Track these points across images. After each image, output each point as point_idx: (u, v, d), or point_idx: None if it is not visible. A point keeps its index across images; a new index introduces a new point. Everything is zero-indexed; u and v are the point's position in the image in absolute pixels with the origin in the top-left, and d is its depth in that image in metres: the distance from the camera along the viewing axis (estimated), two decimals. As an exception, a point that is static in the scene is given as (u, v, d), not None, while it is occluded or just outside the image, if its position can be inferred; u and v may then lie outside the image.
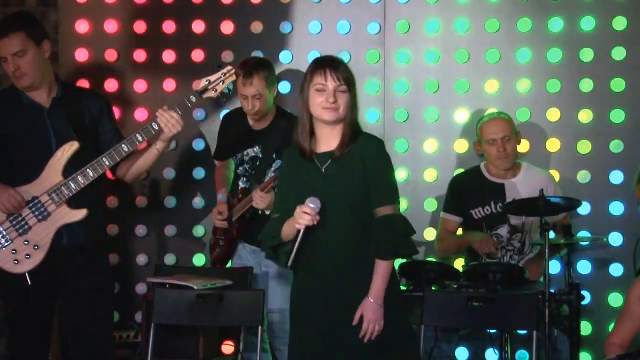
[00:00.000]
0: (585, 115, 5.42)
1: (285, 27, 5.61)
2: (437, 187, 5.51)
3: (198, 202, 5.66)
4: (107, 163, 4.36)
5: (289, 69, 5.59)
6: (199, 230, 5.66)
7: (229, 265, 5.24)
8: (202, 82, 4.43)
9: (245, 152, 5.16)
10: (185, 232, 5.68)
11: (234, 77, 4.50)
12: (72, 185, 4.33)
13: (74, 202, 4.36)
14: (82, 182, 4.34)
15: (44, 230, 4.33)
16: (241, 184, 5.17)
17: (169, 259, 5.65)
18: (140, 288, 5.63)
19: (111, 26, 5.69)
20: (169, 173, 5.67)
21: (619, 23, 5.38)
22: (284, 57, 5.58)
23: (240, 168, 5.18)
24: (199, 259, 5.66)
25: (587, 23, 5.40)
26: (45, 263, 4.33)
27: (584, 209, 5.31)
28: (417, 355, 4.04)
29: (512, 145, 5.16)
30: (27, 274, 4.30)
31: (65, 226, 4.36)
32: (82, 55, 5.70)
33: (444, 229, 5.29)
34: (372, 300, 3.75)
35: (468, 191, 5.24)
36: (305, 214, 3.66)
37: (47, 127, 4.43)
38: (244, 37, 5.63)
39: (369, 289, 3.76)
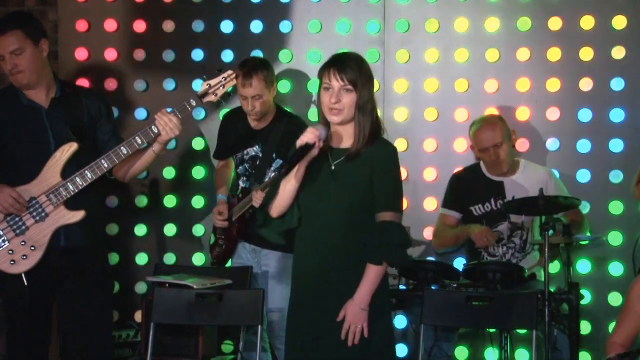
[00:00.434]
0: (584, 115, 5.41)
1: (284, 26, 5.61)
2: (436, 186, 5.50)
3: (198, 201, 5.66)
4: (106, 165, 4.36)
5: (288, 68, 5.59)
6: (198, 230, 5.66)
7: (228, 264, 5.24)
8: (203, 86, 4.43)
9: (245, 152, 5.16)
10: (184, 231, 5.68)
11: (234, 82, 4.50)
12: (71, 186, 4.33)
13: (71, 203, 4.36)
14: (81, 183, 4.34)
15: (42, 231, 4.33)
16: (241, 184, 5.17)
17: (169, 259, 5.66)
18: (140, 287, 5.64)
19: (111, 25, 5.70)
20: (169, 172, 5.67)
21: (619, 22, 5.37)
22: (284, 56, 5.58)
23: (240, 167, 5.18)
24: (198, 259, 5.66)
25: (587, 22, 5.40)
26: (42, 264, 4.33)
27: (584, 208, 5.31)
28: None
29: (505, 150, 5.15)
30: (23, 275, 4.30)
31: (62, 227, 4.36)
32: (81, 54, 5.70)
33: (443, 224, 5.28)
34: (355, 302, 3.75)
35: (468, 188, 5.24)
36: (309, 133, 3.69)
37: (45, 127, 4.43)
38: (243, 37, 5.63)
39: (351, 290, 3.77)
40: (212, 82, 4.45)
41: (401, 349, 5.46)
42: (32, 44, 4.42)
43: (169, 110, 4.39)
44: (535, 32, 5.45)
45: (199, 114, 5.61)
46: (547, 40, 5.44)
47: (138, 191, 5.69)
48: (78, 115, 4.49)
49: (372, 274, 3.75)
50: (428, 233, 5.50)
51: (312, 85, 5.55)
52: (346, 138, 3.83)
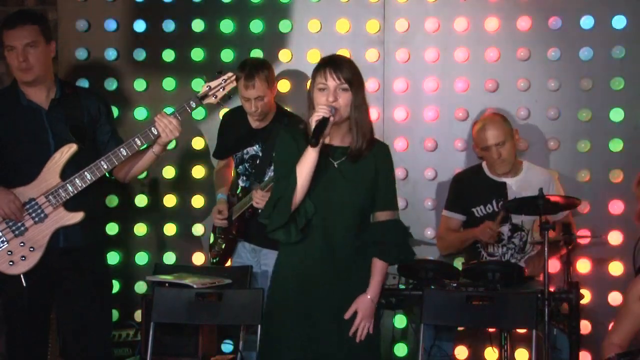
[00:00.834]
0: (584, 114, 5.41)
1: (284, 26, 5.61)
2: (436, 185, 5.51)
3: (197, 201, 5.66)
4: (106, 166, 4.35)
5: (288, 68, 5.59)
6: (198, 229, 5.66)
7: (228, 264, 5.24)
8: (203, 88, 4.43)
9: (245, 151, 5.16)
10: (184, 231, 5.68)
11: (234, 84, 4.50)
12: (70, 188, 4.33)
13: (71, 203, 4.35)
14: (80, 185, 4.33)
15: (41, 232, 4.33)
16: (241, 183, 5.17)
17: (169, 258, 5.66)
18: (140, 287, 5.64)
19: (111, 25, 5.70)
20: (169, 172, 5.67)
21: (619, 22, 5.37)
22: (284, 56, 5.58)
23: (240, 167, 5.18)
24: (198, 258, 5.66)
25: (587, 22, 5.40)
26: (41, 264, 4.32)
27: (584, 207, 5.31)
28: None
29: (508, 149, 5.14)
30: (22, 276, 4.30)
31: (61, 228, 4.36)
32: (81, 54, 5.71)
33: (446, 227, 5.28)
34: (370, 298, 3.82)
35: (470, 189, 5.23)
36: (322, 107, 3.70)
37: (45, 128, 4.43)
38: (243, 36, 5.63)
39: (361, 286, 3.83)
40: (212, 84, 4.44)
41: (401, 349, 5.46)
42: (44, 42, 4.44)
43: (169, 111, 4.39)
44: (535, 32, 5.45)
45: (199, 113, 5.61)
46: (547, 39, 5.43)
47: (138, 191, 5.69)
48: (78, 116, 4.49)
49: (383, 270, 3.88)
50: (428, 233, 5.50)
51: (312, 85, 5.55)
52: (342, 137, 3.86)
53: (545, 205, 4.60)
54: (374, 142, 3.90)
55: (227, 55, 5.62)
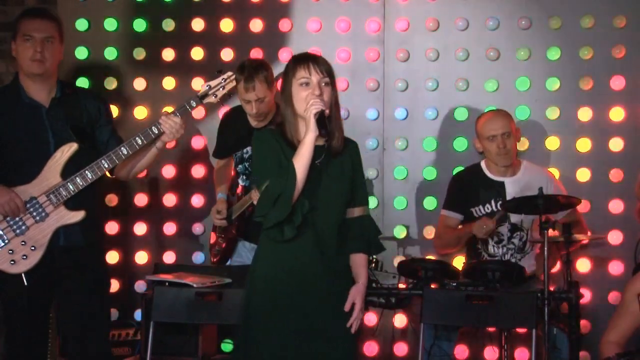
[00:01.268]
0: (584, 114, 5.41)
1: (284, 25, 5.61)
2: (436, 185, 5.51)
3: (197, 200, 5.66)
4: (106, 166, 4.36)
5: (288, 68, 5.58)
6: (198, 229, 5.66)
7: (228, 263, 5.24)
8: (203, 88, 4.43)
9: (244, 150, 5.16)
10: (184, 230, 5.68)
11: (234, 83, 4.50)
12: (71, 187, 4.33)
13: (71, 202, 4.35)
14: (81, 184, 4.33)
15: (42, 232, 4.32)
16: (240, 182, 5.17)
17: (169, 257, 5.66)
18: (140, 286, 5.64)
19: (111, 24, 5.70)
20: (169, 171, 5.67)
21: (619, 21, 5.37)
22: (283, 55, 5.58)
23: (240, 166, 5.18)
24: (198, 257, 5.66)
25: (587, 21, 5.40)
26: (41, 263, 4.32)
27: (584, 207, 5.31)
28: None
29: (512, 142, 5.15)
30: (23, 275, 4.30)
31: (62, 227, 4.36)
32: (81, 53, 5.71)
33: (444, 225, 5.27)
34: (361, 287, 3.89)
35: (469, 189, 5.22)
36: (315, 102, 3.71)
37: (46, 127, 4.42)
38: (243, 35, 5.63)
39: (346, 280, 3.88)
40: (212, 83, 4.44)
41: (401, 348, 5.46)
42: (59, 41, 4.48)
43: (169, 110, 4.39)
44: (535, 31, 5.45)
45: (199, 113, 5.61)
46: (547, 39, 5.43)
47: (138, 190, 5.69)
48: (77, 116, 4.49)
49: (367, 261, 3.99)
50: (428, 232, 5.50)
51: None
52: (317, 136, 3.80)
53: (545, 205, 4.60)
54: (346, 140, 3.93)
55: (227, 54, 5.62)
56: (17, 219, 4.30)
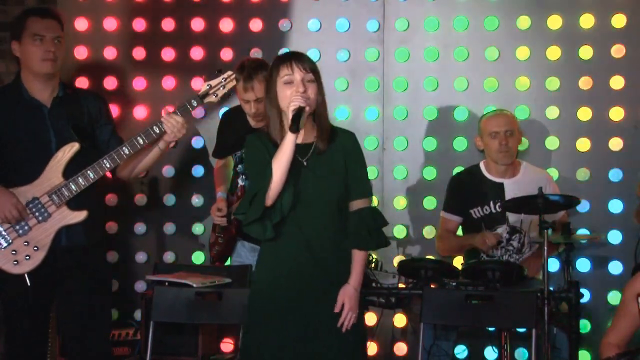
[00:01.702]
0: (584, 113, 5.41)
1: (284, 25, 5.60)
2: (436, 185, 5.51)
3: (197, 200, 5.66)
4: (108, 165, 4.36)
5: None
6: (198, 228, 5.66)
7: (228, 263, 5.24)
8: (203, 87, 4.43)
9: (244, 150, 5.15)
10: (184, 230, 5.68)
11: (234, 82, 4.50)
12: (73, 186, 4.33)
13: (73, 202, 4.36)
14: (83, 183, 4.33)
15: (44, 232, 4.33)
16: (240, 182, 5.17)
17: (168, 257, 5.66)
18: (140, 286, 5.64)
19: (110, 24, 5.70)
20: (168, 171, 5.67)
21: (618, 20, 5.37)
22: (283, 55, 5.58)
23: (240, 166, 5.18)
24: (198, 257, 5.66)
25: (587, 21, 5.40)
26: (44, 263, 4.32)
27: (583, 207, 5.31)
28: (364, 348, 4.06)
29: (514, 141, 5.15)
30: (26, 275, 4.30)
31: (64, 227, 4.36)
32: (81, 53, 5.70)
33: (444, 228, 5.28)
34: (352, 286, 3.85)
35: (468, 190, 5.22)
36: (297, 97, 3.71)
37: (47, 126, 4.42)
38: (243, 35, 5.63)
39: (342, 279, 3.85)
40: (213, 82, 4.45)
41: (401, 348, 5.47)
42: (63, 41, 4.49)
43: (169, 110, 4.39)
44: (534, 31, 5.45)
45: (199, 112, 5.61)
46: (546, 38, 5.43)
47: (138, 190, 5.69)
48: (78, 115, 4.50)
49: (362, 258, 3.90)
50: (427, 232, 5.50)
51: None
52: (307, 133, 3.85)
53: (545, 205, 4.60)
54: (336, 132, 3.90)
55: (226, 54, 5.61)
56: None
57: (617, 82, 5.38)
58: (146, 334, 4.61)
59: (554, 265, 5.26)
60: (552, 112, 5.44)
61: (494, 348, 4.93)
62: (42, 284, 4.36)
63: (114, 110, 5.30)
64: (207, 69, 5.39)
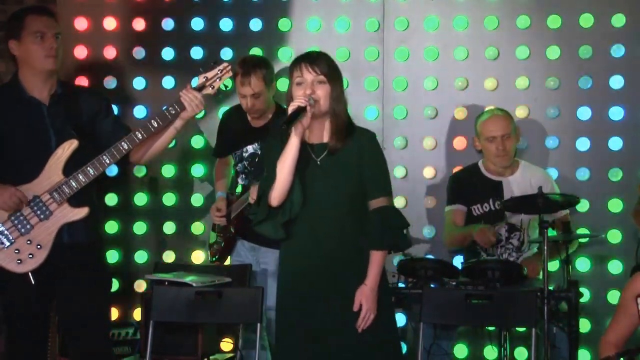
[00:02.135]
0: (584, 113, 5.41)
1: (284, 24, 5.61)
2: (435, 184, 5.51)
3: (197, 199, 5.66)
4: (108, 161, 4.35)
5: (287, 67, 5.57)
6: (197, 228, 5.66)
7: (227, 262, 5.24)
8: (200, 80, 4.42)
9: (244, 149, 5.16)
10: (184, 229, 5.68)
11: (230, 74, 4.49)
12: (74, 183, 4.32)
13: (74, 199, 4.36)
14: (84, 180, 4.33)
15: (46, 230, 4.32)
16: (240, 181, 5.18)
17: (168, 256, 5.66)
18: (140, 285, 5.64)
19: (110, 23, 5.70)
20: (168, 170, 5.67)
21: (618, 20, 5.37)
22: (283, 54, 5.58)
23: (239, 165, 5.19)
24: (197, 257, 5.66)
25: (586, 20, 5.40)
26: (46, 262, 4.32)
27: (583, 206, 5.31)
28: (399, 347, 4.07)
29: (512, 143, 5.15)
30: (30, 274, 4.30)
31: (66, 224, 4.36)
32: (81, 52, 5.71)
33: (452, 221, 5.25)
34: (368, 287, 3.84)
35: (467, 188, 5.23)
36: (299, 97, 3.76)
37: (46, 124, 4.42)
38: (243, 35, 5.63)
39: (360, 279, 3.84)
40: (209, 74, 4.44)
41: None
42: (61, 37, 4.49)
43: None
44: (534, 30, 5.45)
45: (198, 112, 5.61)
46: (546, 38, 5.44)
47: (137, 189, 5.69)
48: (77, 113, 4.49)
49: (379, 259, 3.87)
50: (427, 231, 5.50)
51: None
52: (324, 133, 3.89)
53: (545, 204, 4.60)
54: (355, 131, 3.91)
55: (226, 53, 5.62)
56: (21, 218, 4.30)
57: (616, 82, 5.38)
58: (146, 334, 4.61)
59: (553, 264, 5.25)
60: (552, 112, 5.43)
61: (494, 347, 4.93)
62: (44, 282, 4.35)
63: (114, 109, 5.29)
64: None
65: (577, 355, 4.70)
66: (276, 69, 5.33)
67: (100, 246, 4.65)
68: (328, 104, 3.83)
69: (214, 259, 5.25)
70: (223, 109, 5.45)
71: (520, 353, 5.26)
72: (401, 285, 4.83)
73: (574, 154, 5.44)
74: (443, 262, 5.05)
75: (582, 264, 5.38)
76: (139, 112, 5.67)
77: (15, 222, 4.30)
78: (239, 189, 5.16)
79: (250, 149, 5.14)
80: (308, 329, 3.84)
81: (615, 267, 5.37)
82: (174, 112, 4.35)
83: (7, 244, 4.29)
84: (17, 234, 4.30)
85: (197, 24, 5.66)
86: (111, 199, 5.67)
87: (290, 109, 3.76)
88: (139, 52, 5.69)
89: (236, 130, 5.20)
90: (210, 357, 4.92)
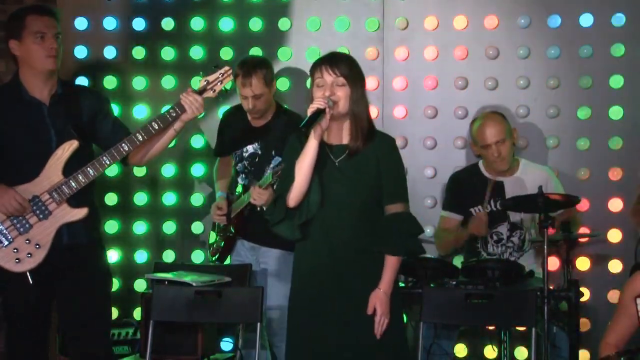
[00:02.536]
0: (584, 112, 5.41)
1: (284, 24, 5.61)
2: (435, 184, 5.51)
3: (197, 199, 5.66)
4: (108, 162, 4.35)
5: (287, 66, 5.59)
6: (197, 227, 5.66)
7: (227, 262, 5.24)
8: (201, 83, 4.42)
9: (244, 149, 5.16)
10: (184, 229, 5.69)
11: (231, 77, 4.50)
12: (73, 184, 4.32)
13: (73, 200, 4.36)
14: (83, 181, 4.33)
15: (45, 229, 4.32)
16: (240, 181, 5.18)
17: (168, 256, 5.66)
18: (139, 285, 5.64)
19: (110, 23, 5.70)
20: (168, 170, 5.67)
21: (618, 20, 5.37)
22: (283, 54, 5.58)
23: (240, 165, 5.18)
24: (197, 256, 5.66)
25: (586, 20, 5.40)
26: (45, 262, 4.32)
27: (583, 205, 5.31)
28: (407, 351, 4.09)
29: (507, 147, 5.12)
30: (28, 273, 4.29)
31: (65, 225, 4.35)
32: (81, 52, 5.71)
33: (443, 227, 5.27)
34: (382, 291, 3.85)
35: (467, 189, 5.22)
36: (318, 99, 3.77)
37: (47, 124, 4.42)
38: (242, 34, 5.63)
39: (371, 283, 3.86)
40: (210, 78, 4.44)
41: (400, 347, 5.46)
42: (61, 37, 4.49)
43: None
44: (534, 30, 5.45)
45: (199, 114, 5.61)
46: (546, 37, 5.43)
47: (137, 189, 5.69)
48: (78, 113, 4.49)
49: (395, 264, 3.89)
50: (427, 231, 5.48)
51: (311, 83, 5.56)
52: (344, 135, 3.90)
53: (545, 203, 4.60)
54: (372, 135, 3.91)
55: (226, 53, 5.62)
56: (20, 217, 4.30)
57: (616, 81, 5.37)
58: (146, 333, 4.61)
59: (553, 264, 5.25)
60: (552, 111, 5.43)
61: (494, 347, 4.93)
62: (43, 282, 4.35)
63: (114, 109, 5.29)
64: (206, 68, 5.37)
65: (577, 355, 4.70)
66: (276, 69, 5.33)
67: (100, 246, 4.65)
68: (347, 106, 3.83)
69: (214, 258, 5.25)
70: (223, 108, 5.45)
71: (520, 353, 5.26)
72: (401, 285, 4.82)
73: (574, 153, 5.44)
74: (443, 261, 5.06)
75: (582, 264, 5.38)
76: (139, 111, 5.67)
77: (14, 221, 4.30)
78: (239, 189, 5.16)
79: (250, 148, 5.14)
80: (316, 328, 3.85)
81: (615, 266, 5.37)
82: (174, 114, 4.35)
83: (6, 243, 4.29)
84: (16, 233, 4.30)
85: (197, 23, 5.66)
86: (111, 199, 5.67)
87: (309, 111, 3.77)
88: (138, 52, 5.69)
89: (236, 129, 5.20)
90: (210, 357, 4.92)
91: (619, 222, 5.36)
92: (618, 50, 5.37)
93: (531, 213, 4.99)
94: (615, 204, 5.38)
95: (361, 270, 3.87)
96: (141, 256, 5.69)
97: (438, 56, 5.52)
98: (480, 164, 5.27)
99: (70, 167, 4.34)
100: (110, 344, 4.80)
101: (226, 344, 5.38)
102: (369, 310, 3.83)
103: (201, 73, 4.51)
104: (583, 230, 5.24)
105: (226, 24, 5.64)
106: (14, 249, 4.30)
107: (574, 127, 5.44)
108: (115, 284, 5.55)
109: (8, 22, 4.47)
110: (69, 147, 4.35)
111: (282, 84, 5.53)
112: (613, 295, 5.31)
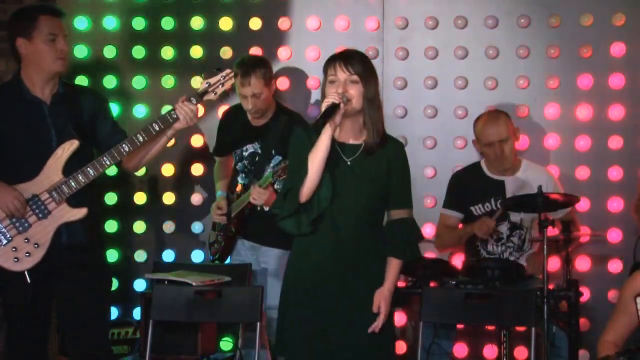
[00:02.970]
0: (584, 112, 5.41)
1: (283, 24, 5.61)
2: (436, 184, 5.50)
3: (197, 198, 5.66)
4: (108, 162, 4.35)
5: (287, 66, 5.59)
6: (197, 227, 5.66)
7: (227, 261, 5.24)
8: (202, 85, 4.43)
9: (244, 148, 5.16)
10: (183, 228, 5.68)
11: (233, 81, 4.50)
12: (73, 183, 4.32)
13: (73, 200, 4.36)
14: (83, 180, 4.33)
15: (44, 229, 4.32)
16: (240, 180, 5.18)
17: (168, 256, 5.66)
18: (139, 284, 5.64)
19: (110, 23, 5.70)
20: (168, 169, 5.67)
21: (618, 19, 5.37)
22: (283, 53, 5.58)
23: (240, 164, 5.19)
24: (197, 256, 5.66)
25: (587, 19, 5.39)
26: (43, 261, 4.32)
27: (583, 205, 5.31)
28: (394, 347, 4.08)
29: (510, 146, 5.13)
30: (26, 272, 4.29)
31: (64, 225, 4.35)
32: (81, 51, 5.71)
33: (443, 225, 5.28)
34: (386, 289, 3.86)
35: (468, 188, 5.23)
36: (332, 94, 3.74)
37: (48, 123, 4.41)
38: (242, 34, 5.63)
39: (374, 283, 3.86)
40: (212, 80, 4.44)
41: (400, 347, 5.46)
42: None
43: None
44: (534, 29, 5.45)
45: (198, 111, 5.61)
46: (546, 37, 5.43)
47: (137, 188, 5.69)
48: (78, 113, 4.49)
49: (398, 266, 3.91)
50: (427, 230, 5.49)
51: (311, 82, 5.56)
52: (356, 133, 3.88)
53: (545, 203, 4.60)
54: (387, 139, 3.92)
55: (226, 52, 5.62)
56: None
57: (616, 80, 5.37)
58: (145, 333, 4.62)
59: (554, 263, 5.25)
60: (552, 111, 5.43)
61: (494, 346, 4.92)
62: (42, 281, 4.35)
63: (114, 109, 5.30)
64: (206, 67, 5.39)
65: (577, 355, 4.70)
66: (275, 68, 5.33)
67: (100, 246, 4.66)
68: (360, 104, 3.81)
69: (213, 258, 5.25)
70: (223, 108, 5.45)
71: (520, 352, 5.26)
72: (401, 284, 4.82)
73: (574, 153, 5.43)
74: (443, 261, 5.06)
75: (582, 263, 5.38)
76: (139, 111, 5.67)
77: (13, 220, 4.30)
78: (239, 189, 5.15)
79: (250, 148, 5.14)
80: (318, 326, 3.84)
81: (615, 266, 5.37)
82: (175, 116, 4.35)
83: (4, 242, 4.29)
84: (15, 232, 4.30)
85: (197, 22, 5.66)
86: (111, 198, 5.67)
87: (324, 106, 3.75)
88: (138, 51, 5.69)
89: (236, 129, 5.20)
90: (210, 357, 4.92)
91: (619, 221, 5.37)
92: (618, 49, 5.37)
93: (531, 213, 4.98)
94: (615, 204, 5.38)
95: (364, 270, 3.87)
96: (141, 256, 5.69)
97: (438, 56, 5.52)
98: (482, 162, 5.28)
99: (70, 167, 4.34)
100: (109, 343, 4.80)
101: (226, 344, 5.37)
102: (374, 308, 3.84)
103: (202, 74, 4.50)
104: (583, 230, 5.24)
105: (226, 23, 5.64)
106: (13, 247, 4.29)
107: (574, 126, 5.44)
108: (115, 284, 5.56)
109: (17, 19, 4.44)
110: (69, 147, 4.35)
111: (282, 83, 5.54)
112: (613, 295, 5.31)
